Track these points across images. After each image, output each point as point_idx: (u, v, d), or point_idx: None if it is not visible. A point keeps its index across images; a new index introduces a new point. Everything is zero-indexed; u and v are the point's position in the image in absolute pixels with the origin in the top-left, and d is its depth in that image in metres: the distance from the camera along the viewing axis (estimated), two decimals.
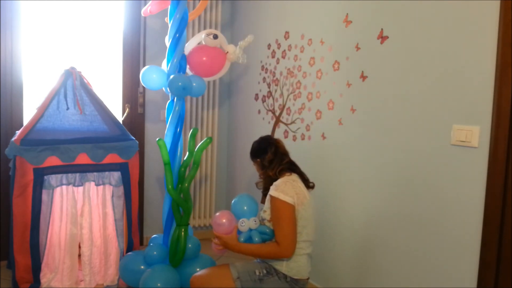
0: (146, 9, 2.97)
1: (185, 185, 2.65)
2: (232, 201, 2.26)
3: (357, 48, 2.51)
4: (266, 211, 2.10)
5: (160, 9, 2.95)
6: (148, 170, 3.65)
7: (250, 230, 2.11)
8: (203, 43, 2.79)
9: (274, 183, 2.09)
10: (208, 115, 3.83)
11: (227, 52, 2.83)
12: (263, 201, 2.19)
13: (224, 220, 2.15)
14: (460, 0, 1.96)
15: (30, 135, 2.62)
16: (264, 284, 2.03)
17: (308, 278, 2.14)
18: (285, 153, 2.22)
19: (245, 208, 2.18)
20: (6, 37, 3.04)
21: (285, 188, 2.02)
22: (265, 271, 2.06)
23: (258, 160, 2.22)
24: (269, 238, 2.08)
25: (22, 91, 3.14)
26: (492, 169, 1.84)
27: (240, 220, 2.12)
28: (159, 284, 2.46)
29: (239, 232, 2.14)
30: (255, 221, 2.10)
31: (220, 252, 2.20)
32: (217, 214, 2.21)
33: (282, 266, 2.04)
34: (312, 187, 2.20)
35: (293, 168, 2.19)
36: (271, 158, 2.16)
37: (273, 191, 2.03)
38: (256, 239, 2.07)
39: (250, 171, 3.63)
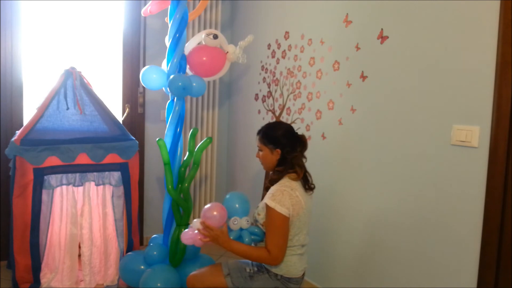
0: (146, 9, 2.97)
1: (185, 185, 2.65)
2: (224, 198, 2.22)
3: (357, 48, 2.51)
4: (260, 215, 2.05)
5: (160, 9, 2.95)
6: (148, 170, 3.64)
7: (241, 229, 2.07)
8: (203, 43, 2.79)
9: (271, 191, 2.01)
10: (208, 115, 3.83)
11: (227, 52, 2.83)
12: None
13: (215, 213, 2.03)
14: (460, 0, 1.96)
15: (30, 135, 2.62)
16: (254, 281, 2.05)
17: (303, 276, 2.13)
18: (304, 157, 2.13)
19: (237, 206, 2.14)
20: (6, 37, 3.04)
21: (282, 198, 1.95)
22: (255, 269, 2.07)
23: (278, 150, 2.06)
24: (259, 239, 2.07)
25: (22, 91, 3.14)
26: (492, 169, 1.84)
27: (233, 218, 2.08)
28: (159, 284, 2.47)
29: (229, 229, 2.08)
30: (247, 221, 2.07)
31: (202, 243, 2.06)
32: (208, 205, 2.08)
33: (272, 266, 2.04)
34: (312, 189, 2.14)
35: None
36: (298, 156, 2.07)
37: (269, 200, 1.96)
38: (247, 239, 2.04)
39: (250, 171, 3.63)
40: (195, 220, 2.08)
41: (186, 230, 2.14)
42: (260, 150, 2.14)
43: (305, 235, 2.09)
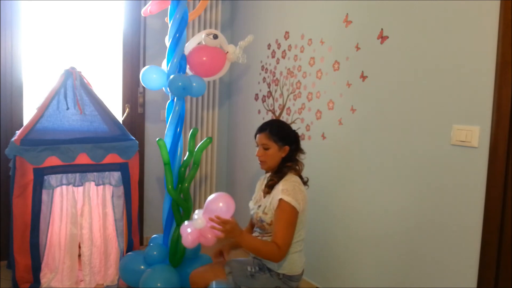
0: (146, 9, 2.97)
1: (185, 185, 2.65)
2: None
3: (357, 48, 2.51)
4: (267, 214, 2.03)
5: (160, 9, 2.95)
6: (148, 170, 3.64)
7: None
8: (203, 43, 2.79)
9: (282, 187, 1.99)
10: (208, 115, 3.83)
11: (227, 52, 2.83)
12: (266, 192, 2.10)
13: (221, 204, 1.89)
14: (460, 0, 1.96)
15: (30, 135, 2.62)
16: (255, 280, 2.05)
17: (302, 272, 2.14)
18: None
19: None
20: (6, 37, 3.04)
21: (296, 193, 1.98)
22: (257, 268, 2.08)
23: (287, 147, 2.09)
24: None
25: (22, 91, 3.14)
26: (492, 169, 1.84)
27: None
28: (159, 284, 2.47)
29: None
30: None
31: (214, 241, 1.92)
32: (212, 197, 1.96)
33: (274, 265, 2.05)
34: (306, 182, 2.14)
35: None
36: (300, 153, 2.16)
37: (285, 195, 1.94)
38: None
39: (250, 171, 3.63)
40: (196, 217, 1.93)
41: (188, 232, 1.94)
42: (265, 148, 2.09)
43: (305, 230, 2.12)
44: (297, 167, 2.12)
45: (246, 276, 2.07)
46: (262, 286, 2.05)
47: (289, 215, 1.94)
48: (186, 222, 2.00)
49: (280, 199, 1.95)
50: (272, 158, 2.09)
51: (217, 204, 1.91)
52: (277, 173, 2.08)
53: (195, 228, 1.93)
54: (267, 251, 1.93)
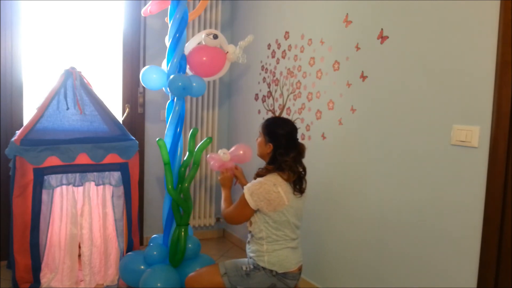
0: (146, 9, 2.97)
1: (185, 185, 2.65)
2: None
3: (357, 48, 2.51)
4: None
5: (160, 9, 2.95)
6: (148, 170, 3.65)
7: None
8: (203, 43, 2.79)
9: (255, 180, 2.09)
10: (208, 115, 3.83)
11: (227, 52, 2.83)
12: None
13: (241, 152, 2.49)
14: (460, 0, 1.96)
15: (30, 135, 2.62)
16: (251, 279, 2.07)
17: (299, 270, 2.14)
18: (301, 164, 2.13)
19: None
20: (6, 37, 3.04)
21: (257, 192, 2.03)
22: (252, 267, 2.09)
23: (271, 145, 2.11)
24: None
25: (22, 91, 3.14)
26: (492, 169, 1.84)
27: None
28: (159, 284, 2.47)
29: None
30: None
31: (215, 166, 2.46)
32: (239, 145, 2.53)
33: (265, 263, 2.06)
34: (301, 192, 2.12)
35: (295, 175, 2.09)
36: (289, 162, 2.06)
37: (247, 186, 2.08)
38: None
39: (250, 171, 3.63)
40: (226, 151, 2.48)
41: (215, 154, 2.51)
42: (259, 136, 2.22)
43: (292, 231, 2.10)
44: (283, 173, 2.06)
45: (241, 275, 2.08)
46: (258, 284, 2.06)
47: (240, 202, 2.11)
48: (214, 154, 2.53)
49: (244, 186, 2.12)
50: (259, 147, 2.21)
51: (239, 151, 2.50)
52: (260, 172, 2.15)
53: (220, 159, 2.47)
54: (223, 203, 2.29)
